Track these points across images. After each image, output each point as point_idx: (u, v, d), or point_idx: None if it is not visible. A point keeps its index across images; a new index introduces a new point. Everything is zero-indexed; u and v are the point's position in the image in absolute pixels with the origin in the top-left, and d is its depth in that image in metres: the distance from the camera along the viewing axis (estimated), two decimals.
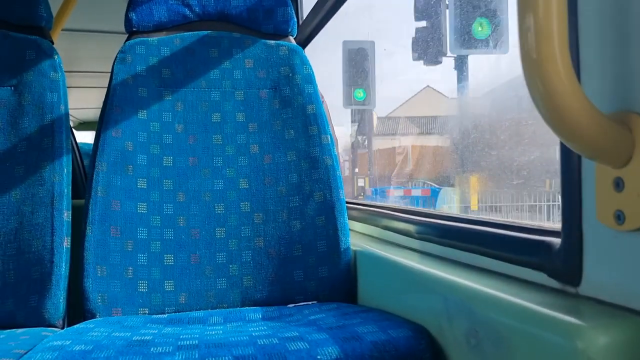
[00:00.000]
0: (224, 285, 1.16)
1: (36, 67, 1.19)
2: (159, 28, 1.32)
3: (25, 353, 0.80)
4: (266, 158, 1.24)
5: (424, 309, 0.85)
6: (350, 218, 1.27)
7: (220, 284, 1.16)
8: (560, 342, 0.54)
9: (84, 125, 4.88)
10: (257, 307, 1.09)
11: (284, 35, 1.37)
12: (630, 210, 0.52)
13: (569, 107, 0.48)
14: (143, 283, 1.11)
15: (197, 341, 0.83)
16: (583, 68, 0.58)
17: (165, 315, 1.07)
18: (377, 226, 1.22)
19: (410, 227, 1.04)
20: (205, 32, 1.32)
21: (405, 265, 0.92)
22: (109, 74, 1.25)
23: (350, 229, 1.20)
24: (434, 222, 0.97)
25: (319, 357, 0.76)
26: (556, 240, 0.64)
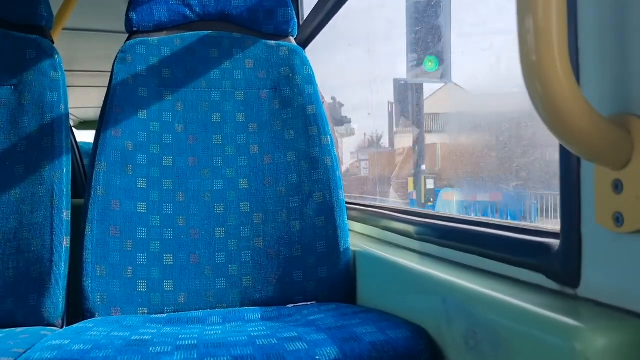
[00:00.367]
0: (223, 285, 1.16)
1: (36, 67, 1.19)
2: (159, 28, 1.32)
3: (25, 352, 0.80)
4: (266, 158, 1.25)
5: (423, 310, 0.85)
6: (350, 218, 1.27)
7: (220, 284, 1.16)
8: (558, 343, 0.54)
9: (84, 125, 4.88)
10: (256, 307, 1.09)
11: (284, 35, 1.37)
12: (629, 212, 0.52)
13: (568, 110, 0.48)
14: (142, 283, 1.11)
15: (196, 341, 0.83)
16: (582, 70, 0.58)
17: (165, 315, 1.07)
18: (376, 227, 1.22)
19: (410, 228, 1.04)
20: (205, 32, 1.32)
21: (405, 266, 0.92)
22: (109, 74, 1.25)
23: (349, 230, 1.20)
24: (433, 223, 0.97)
25: (317, 357, 0.76)
26: (555, 242, 0.64)
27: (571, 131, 0.50)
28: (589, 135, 0.50)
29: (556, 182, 0.61)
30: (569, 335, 0.53)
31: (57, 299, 1.06)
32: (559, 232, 0.63)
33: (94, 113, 4.38)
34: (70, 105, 1.22)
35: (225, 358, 0.75)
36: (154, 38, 1.30)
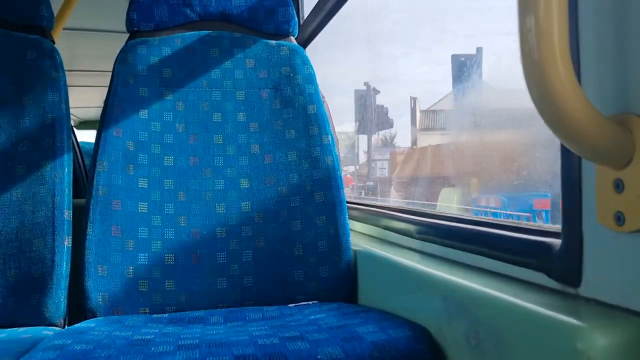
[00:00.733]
0: (224, 284, 1.16)
1: (37, 67, 1.19)
2: (160, 28, 1.32)
3: (27, 352, 0.80)
4: (267, 158, 1.25)
5: (424, 309, 0.85)
6: (351, 218, 1.27)
7: (221, 283, 1.16)
8: (560, 342, 0.54)
9: (84, 125, 4.88)
10: (258, 307, 1.09)
11: (285, 35, 1.37)
12: (631, 211, 0.52)
13: (569, 109, 0.48)
14: (144, 282, 1.12)
15: (197, 341, 0.83)
16: (583, 70, 0.58)
17: (166, 315, 1.07)
18: (377, 226, 1.22)
19: (411, 227, 1.04)
20: (206, 32, 1.32)
21: (406, 266, 0.92)
22: (110, 73, 1.26)
23: (350, 229, 1.21)
24: (434, 223, 0.97)
25: (319, 356, 0.76)
26: (556, 241, 0.64)
27: (572, 130, 0.50)
28: (590, 134, 0.50)
29: None
30: (570, 335, 0.53)
31: (58, 299, 1.06)
32: (560, 231, 0.63)
33: (94, 113, 4.38)
34: (70, 105, 1.22)
35: (227, 357, 0.75)
36: (155, 38, 1.30)
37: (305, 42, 1.65)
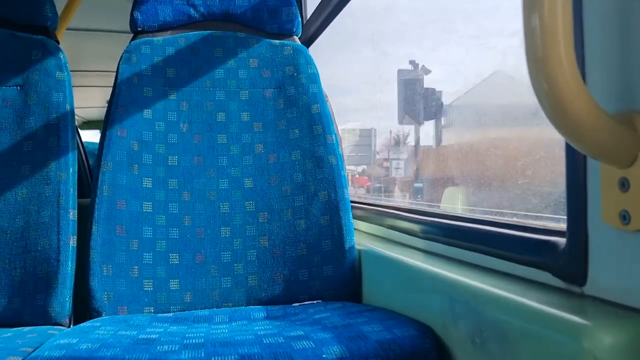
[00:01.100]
0: (228, 284, 1.16)
1: (42, 67, 1.20)
2: (163, 28, 1.32)
3: (33, 351, 0.80)
4: (271, 157, 1.25)
5: (429, 308, 0.85)
6: (355, 217, 1.27)
7: (225, 282, 1.16)
8: (565, 341, 0.54)
9: (88, 124, 4.89)
10: (262, 306, 1.09)
11: (288, 34, 1.37)
12: (636, 210, 0.52)
13: (574, 107, 0.48)
14: (148, 282, 1.12)
15: (202, 340, 0.83)
16: (588, 68, 0.58)
17: (171, 314, 1.07)
18: (381, 225, 1.22)
19: (415, 227, 1.04)
20: (209, 32, 1.33)
21: (410, 265, 0.92)
22: (114, 73, 1.26)
23: (355, 228, 1.21)
24: (438, 222, 0.97)
25: (324, 355, 0.76)
26: (561, 240, 0.64)
27: (577, 129, 0.49)
28: (595, 133, 0.50)
29: None
30: (576, 333, 0.53)
31: (64, 298, 1.07)
32: (565, 230, 0.63)
33: (98, 113, 4.39)
34: (74, 105, 1.22)
35: (232, 357, 0.75)
36: (159, 38, 1.30)
37: (308, 42, 1.65)
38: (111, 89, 1.25)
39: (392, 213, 1.18)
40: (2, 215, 1.10)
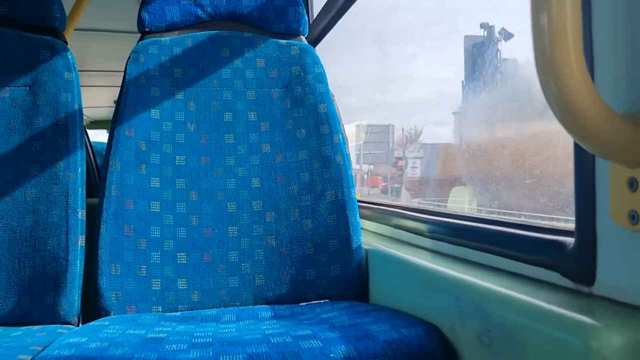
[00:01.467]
0: (236, 283, 1.16)
1: (50, 68, 1.20)
2: (171, 28, 1.33)
3: (43, 350, 0.81)
4: (278, 157, 1.25)
5: (436, 308, 0.85)
6: (362, 217, 1.27)
7: (233, 282, 1.16)
8: (574, 341, 0.54)
9: (95, 124, 4.92)
10: (269, 305, 1.10)
11: (295, 34, 1.37)
12: None
13: (583, 107, 0.48)
14: (156, 281, 1.13)
15: (210, 339, 0.83)
16: (597, 68, 0.58)
17: (179, 313, 1.08)
18: (388, 225, 1.22)
19: (422, 226, 1.04)
20: (216, 32, 1.33)
21: (417, 264, 0.92)
22: (121, 73, 1.27)
23: (361, 228, 1.21)
24: (446, 221, 0.97)
25: (332, 355, 0.76)
26: (570, 240, 0.63)
27: (585, 129, 0.49)
28: (604, 133, 0.50)
29: None
30: (584, 333, 0.53)
31: (72, 298, 1.07)
32: (574, 230, 0.63)
33: (105, 112, 4.42)
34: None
35: (240, 356, 0.76)
36: (166, 38, 1.31)
37: (314, 41, 1.65)
38: (118, 89, 1.26)
39: (399, 212, 1.18)
40: (12, 215, 1.11)
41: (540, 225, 0.73)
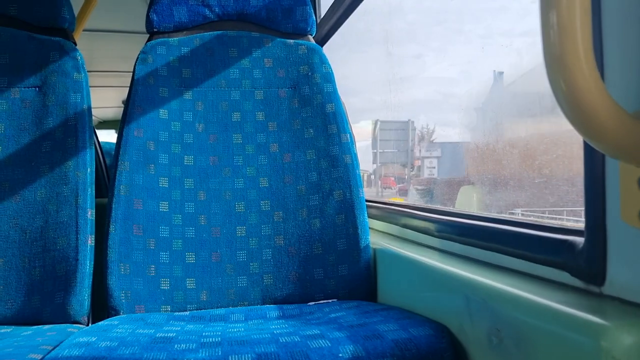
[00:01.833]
0: (244, 283, 1.17)
1: (60, 68, 1.21)
2: (179, 28, 1.33)
3: (53, 349, 0.82)
4: (286, 157, 1.25)
5: (445, 308, 0.84)
6: (370, 216, 1.27)
7: (241, 281, 1.17)
8: (583, 341, 0.54)
9: (103, 124, 4.94)
10: (278, 305, 1.10)
11: (302, 34, 1.37)
12: None
13: (592, 106, 0.48)
14: (165, 281, 1.13)
15: (219, 338, 0.84)
16: (607, 66, 0.58)
17: (187, 313, 1.08)
18: (396, 224, 1.22)
19: (431, 226, 1.03)
20: (224, 32, 1.33)
21: (426, 264, 0.92)
22: (129, 74, 1.27)
23: (370, 227, 1.21)
24: (454, 221, 0.96)
25: (340, 354, 0.76)
26: (579, 240, 0.63)
27: (595, 128, 0.49)
28: (614, 132, 0.49)
29: None
30: (594, 333, 0.52)
31: (82, 297, 1.08)
32: (584, 229, 0.62)
33: (113, 113, 4.44)
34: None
35: (249, 355, 0.76)
36: (174, 38, 1.31)
37: (322, 41, 1.65)
38: (127, 89, 1.26)
39: (407, 212, 1.17)
40: (22, 215, 1.12)
41: (549, 225, 0.73)
